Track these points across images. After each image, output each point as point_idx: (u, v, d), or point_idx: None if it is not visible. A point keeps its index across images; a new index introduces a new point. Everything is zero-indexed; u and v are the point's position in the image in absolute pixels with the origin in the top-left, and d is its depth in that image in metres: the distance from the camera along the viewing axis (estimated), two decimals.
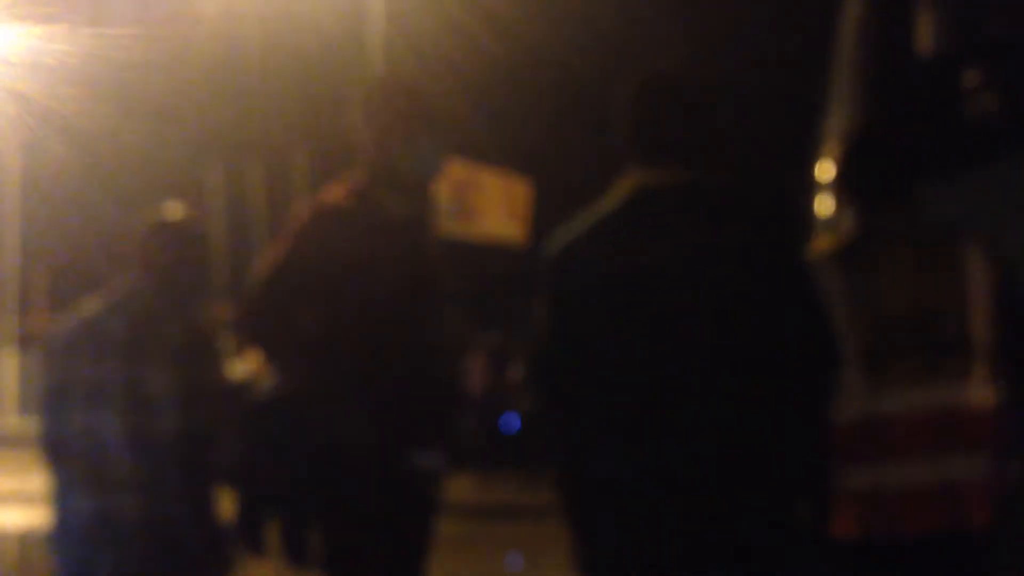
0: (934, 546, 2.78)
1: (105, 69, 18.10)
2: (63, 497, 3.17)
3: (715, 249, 2.35)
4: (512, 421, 15.69)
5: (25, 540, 10.70)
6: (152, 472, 2.99)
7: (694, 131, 2.46)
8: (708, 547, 2.31)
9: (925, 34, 6.84)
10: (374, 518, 2.85)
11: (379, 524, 2.85)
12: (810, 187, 6.61)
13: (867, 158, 2.96)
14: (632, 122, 2.48)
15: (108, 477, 3.02)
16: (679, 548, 2.31)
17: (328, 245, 2.88)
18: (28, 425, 22.57)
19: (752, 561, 2.33)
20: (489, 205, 20.16)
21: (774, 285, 2.36)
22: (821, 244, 2.94)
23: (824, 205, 6.50)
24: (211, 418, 2.97)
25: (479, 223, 19.69)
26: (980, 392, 2.82)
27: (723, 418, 2.31)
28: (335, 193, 3.01)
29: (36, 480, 13.93)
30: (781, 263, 2.40)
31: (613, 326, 2.35)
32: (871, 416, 2.78)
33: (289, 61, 18.12)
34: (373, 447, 2.83)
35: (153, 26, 17.87)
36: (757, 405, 2.33)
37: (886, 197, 2.91)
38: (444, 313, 3.03)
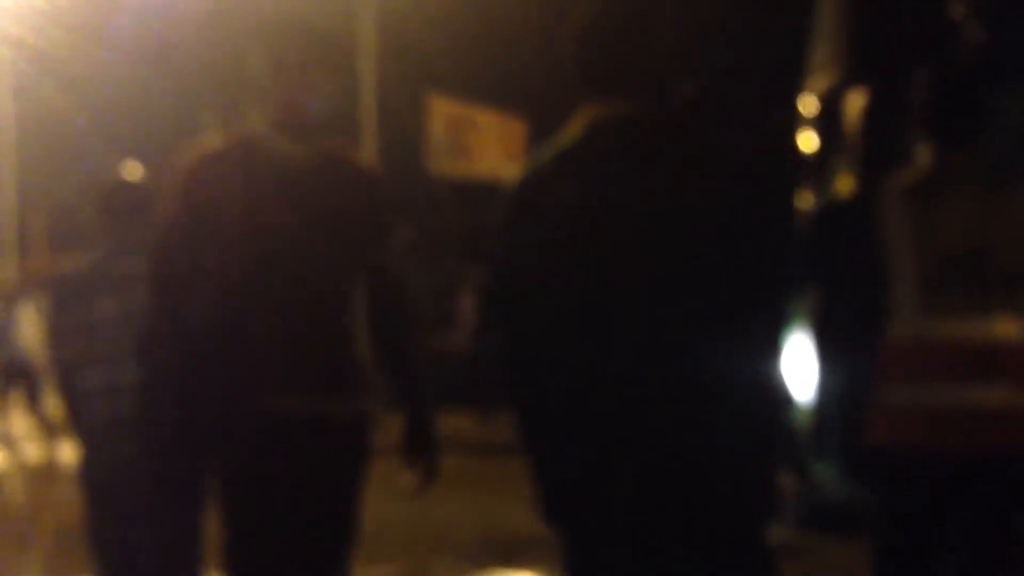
0: (972, 468, 2.89)
1: (97, 12, 17.97)
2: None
3: (670, 187, 2.30)
4: None
5: None
6: None
7: (642, 61, 2.40)
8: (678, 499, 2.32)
9: None
10: (291, 467, 2.78)
11: (297, 475, 2.79)
12: (796, 122, 6.56)
13: (949, 97, 3.05)
14: (579, 53, 2.42)
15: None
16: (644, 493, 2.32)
17: (216, 193, 2.79)
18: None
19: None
20: (484, 143, 20.06)
21: (734, 227, 2.30)
22: (896, 178, 3.04)
23: (809, 141, 6.46)
24: None
25: (473, 161, 19.60)
26: None
27: (683, 362, 2.28)
28: (216, 141, 2.91)
29: (14, 422, 14.00)
30: (743, 204, 2.33)
31: (571, 262, 2.33)
32: (921, 339, 2.91)
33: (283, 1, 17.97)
34: (289, 397, 2.79)
35: None
36: (718, 346, 2.30)
37: (962, 135, 3.03)
38: (385, 255, 2.98)
